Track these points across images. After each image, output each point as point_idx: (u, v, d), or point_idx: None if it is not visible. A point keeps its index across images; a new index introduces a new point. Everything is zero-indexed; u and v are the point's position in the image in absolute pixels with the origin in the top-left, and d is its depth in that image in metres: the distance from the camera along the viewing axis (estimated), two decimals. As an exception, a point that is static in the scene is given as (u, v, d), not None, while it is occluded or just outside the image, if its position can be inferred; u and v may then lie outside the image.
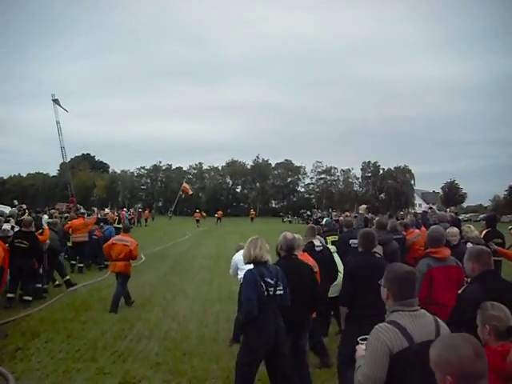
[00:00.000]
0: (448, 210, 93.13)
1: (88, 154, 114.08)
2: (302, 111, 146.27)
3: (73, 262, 17.78)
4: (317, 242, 8.37)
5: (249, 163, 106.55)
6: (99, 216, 22.61)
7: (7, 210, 43.43)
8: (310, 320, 6.59)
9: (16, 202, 39.46)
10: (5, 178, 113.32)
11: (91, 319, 10.52)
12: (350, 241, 9.76)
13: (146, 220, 54.81)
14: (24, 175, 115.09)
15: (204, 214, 65.22)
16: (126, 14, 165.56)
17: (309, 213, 59.95)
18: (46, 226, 14.62)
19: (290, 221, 66.48)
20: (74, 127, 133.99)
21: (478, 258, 4.91)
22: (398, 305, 3.47)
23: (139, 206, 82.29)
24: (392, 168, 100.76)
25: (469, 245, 10.22)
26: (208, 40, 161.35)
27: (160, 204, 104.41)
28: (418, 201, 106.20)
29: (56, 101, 70.22)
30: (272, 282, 5.61)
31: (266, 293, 5.55)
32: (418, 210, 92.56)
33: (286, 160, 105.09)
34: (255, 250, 5.77)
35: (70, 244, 17.79)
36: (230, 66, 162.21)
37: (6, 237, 10.82)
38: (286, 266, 6.04)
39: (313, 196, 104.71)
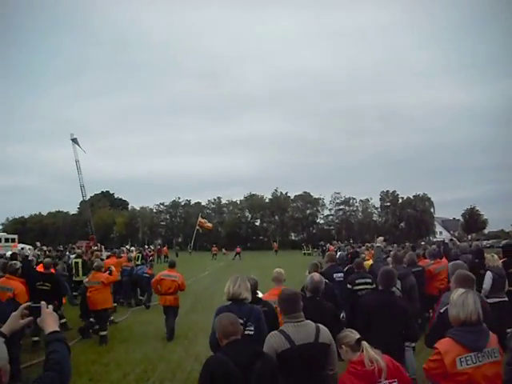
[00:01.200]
0: (469, 236, 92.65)
1: (107, 192, 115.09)
2: (319, 143, 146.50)
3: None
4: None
5: (267, 196, 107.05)
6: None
7: (27, 248, 43.90)
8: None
9: (38, 244, 39.89)
10: (26, 216, 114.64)
11: (113, 361, 10.46)
12: (334, 275, 10.20)
13: (165, 256, 54.49)
14: (44, 214, 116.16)
15: (225, 250, 65.66)
16: (140, 51, 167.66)
17: (324, 244, 60.00)
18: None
19: (309, 253, 66.06)
20: (93, 165, 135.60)
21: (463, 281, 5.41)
22: (287, 318, 4.87)
23: (159, 242, 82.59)
24: (411, 196, 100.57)
25: (488, 273, 10.23)
26: (222, 75, 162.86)
27: (180, 239, 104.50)
28: (438, 229, 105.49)
29: (75, 140, 71.34)
30: (241, 321, 5.38)
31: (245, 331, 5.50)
32: (439, 237, 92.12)
33: (305, 192, 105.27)
34: (234, 288, 5.79)
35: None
36: (245, 100, 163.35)
37: (16, 269, 10.82)
38: (310, 307, 5.87)
39: (332, 227, 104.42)
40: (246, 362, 4.08)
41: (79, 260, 18.97)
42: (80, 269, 18.27)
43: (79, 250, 23.85)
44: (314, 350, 4.66)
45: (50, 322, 3.56)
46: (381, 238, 12.98)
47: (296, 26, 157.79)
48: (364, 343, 4.29)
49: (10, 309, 8.40)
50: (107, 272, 13.60)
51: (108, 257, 20.26)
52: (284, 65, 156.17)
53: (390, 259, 11.55)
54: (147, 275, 18.34)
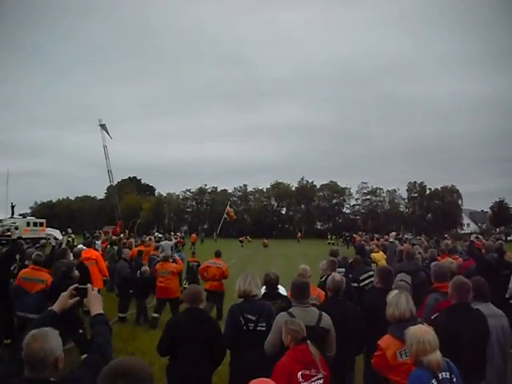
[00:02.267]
0: (497, 229, 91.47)
1: (134, 177, 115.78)
2: (346, 131, 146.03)
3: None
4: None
5: (294, 185, 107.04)
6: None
7: (56, 233, 44.19)
8: (354, 361, 6.67)
9: (70, 230, 40.16)
10: (53, 201, 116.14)
11: (139, 350, 10.49)
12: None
13: (193, 244, 53.68)
14: (72, 198, 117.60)
15: (249, 238, 65.85)
16: (166, 38, 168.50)
17: (348, 234, 59.73)
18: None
19: (333, 243, 65.72)
20: (120, 150, 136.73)
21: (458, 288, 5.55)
22: (295, 302, 5.80)
23: (185, 228, 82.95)
24: (439, 188, 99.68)
25: None
26: (249, 62, 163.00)
27: (205, 226, 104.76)
28: (466, 221, 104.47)
29: (103, 126, 71.93)
30: (253, 318, 5.91)
31: (244, 327, 5.91)
32: (466, 230, 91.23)
33: (331, 181, 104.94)
34: (244, 285, 6.10)
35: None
36: (272, 87, 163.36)
37: (41, 261, 10.77)
38: (331, 307, 6.12)
39: (358, 217, 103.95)
40: None
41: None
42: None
43: (115, 237, 23.97)
44: (314, 332, 5.30)
45: (95, 303, 4.04)
46: (393, 234, 13.14)
47: (323, 13, 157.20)
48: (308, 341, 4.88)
49: (43, 299, 8.42)
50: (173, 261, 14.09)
51: (137, 245, 20.15)
52: (311, 53, 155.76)
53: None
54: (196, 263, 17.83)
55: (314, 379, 4.72)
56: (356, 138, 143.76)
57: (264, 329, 5.84)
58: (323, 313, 5.68)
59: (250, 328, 5.89)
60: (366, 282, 10.09)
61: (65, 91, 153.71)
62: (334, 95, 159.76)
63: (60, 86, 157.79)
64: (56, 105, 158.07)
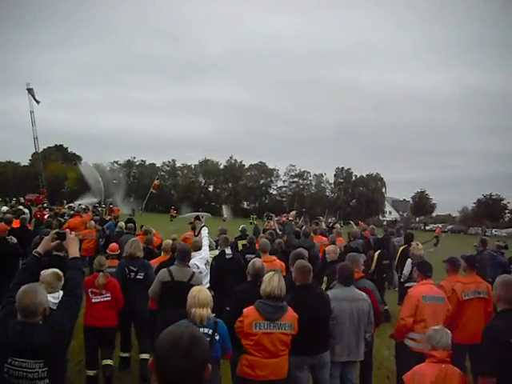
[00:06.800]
0: (417, 219, 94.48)
1: (61, 146, 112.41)
2: (278, 113, 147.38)
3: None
4: (228, 251, 9.71)
5: (222, 163, 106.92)
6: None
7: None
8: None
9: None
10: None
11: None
12: (247, 255, 10.56)
13: (116, 217, 52.79)
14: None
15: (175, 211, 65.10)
16: (104, 7, 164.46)
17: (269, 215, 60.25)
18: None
19: (253, 223, 65.82)
20: (47, 117, 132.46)
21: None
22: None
23: (110, 200, 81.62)
24: (364, 175, 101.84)
25: (408, 261, 10.99)
26: (185, 36, 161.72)
27: (131, 199, 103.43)
28: (388, 208, 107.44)
29: (30, 90, 69.49)
30: (134, 269, 8.31)
31: (128, 275, 8.27)
32: (388, 217, 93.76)
33: (260, 162, 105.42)
34: (129, 249, 8.47)
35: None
36: (207, 63, 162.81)
37: None
38: (247, 289, 6.49)
39: (285, 199, 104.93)
40: None
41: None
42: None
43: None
44: (186, 287, 6.08)
45: (72, 246, 4.76)
46: (293, 213, 13.96)
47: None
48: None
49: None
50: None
51: (71, 216, 19.63)
52: (248, 30, 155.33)
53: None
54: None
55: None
56: (288, 120, 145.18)
57: (141, 277, 8.26)
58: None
59: (132, 277, 8.27)
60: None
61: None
62: (269, 76, 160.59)
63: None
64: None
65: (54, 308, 4.30)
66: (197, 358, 2.16)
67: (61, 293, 5.36)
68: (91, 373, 7.42)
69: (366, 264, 11.35)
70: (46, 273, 5.66)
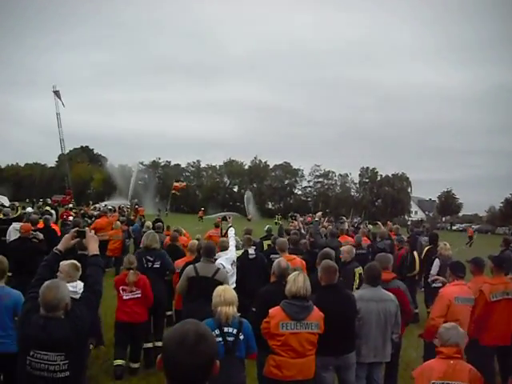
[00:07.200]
0: (444, 218, 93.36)
1: (87, 147, 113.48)
2: (303, 113, 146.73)
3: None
4: (251, 251, 9.71)
5: (247, 163, 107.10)
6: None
7: (4, 200, 43.17)
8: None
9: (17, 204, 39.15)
10: (2, 166, 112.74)
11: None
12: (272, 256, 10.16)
13: (142, 217, 52.71)
14: (22, 165, 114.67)
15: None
16: (128, 8, 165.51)
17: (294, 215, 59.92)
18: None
19: (278, 223, 65.75)
20: (74, 119, 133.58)
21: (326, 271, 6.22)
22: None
23: (136, 201, 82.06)
24: (390, 175, 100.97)
25: (436, 261, 10.84)
26: (210, 37, 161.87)
27: (157, 200, 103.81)
28: (414, 208, 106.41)
29: (57, 93, 70.47)
30: (151, 258, 8.87)
31: (145, 265, 8.75)
32: (414, 217, 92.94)
33: (285, 162, 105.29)
34: (146, 241, 9.14)
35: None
36: (231, 64, 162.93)
37: None
38: (272, 290, 6.38)
39: (309, 199, 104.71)
40: None
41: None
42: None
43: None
44: (210, 282, 6.86)
45: (93, 243, 4.85)
46: (319, 213, 13.79)
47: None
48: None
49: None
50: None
51: (99, 216, 19.76)
52: (274, 32, 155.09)
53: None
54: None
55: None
56: (312, 119, 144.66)
57: (158, 266, 8.95)
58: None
59: (149, 266, 8.84)
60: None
61: (17, 55, 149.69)
62: (291, 76, 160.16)
63: (12, 49, 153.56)
64: (7, 69, 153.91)
65: (72, 296, 4.40)
66: (203, 355, 2.21)
67: (78, 283, 5.83)
68: (120, 362, 7.84)
69: (405, 265, 11.41)
70: (64, 263, 5.93)
